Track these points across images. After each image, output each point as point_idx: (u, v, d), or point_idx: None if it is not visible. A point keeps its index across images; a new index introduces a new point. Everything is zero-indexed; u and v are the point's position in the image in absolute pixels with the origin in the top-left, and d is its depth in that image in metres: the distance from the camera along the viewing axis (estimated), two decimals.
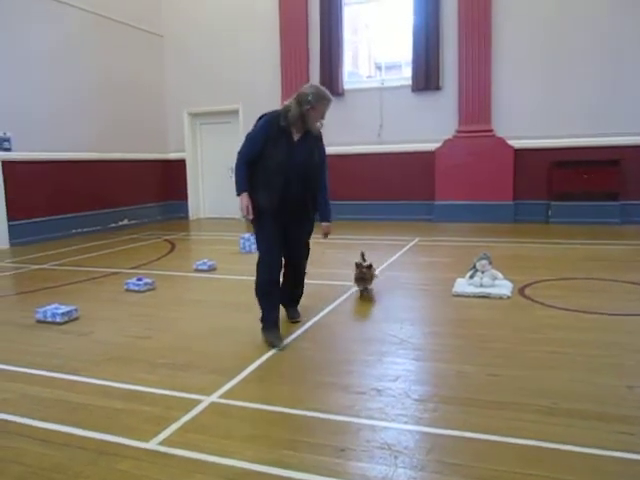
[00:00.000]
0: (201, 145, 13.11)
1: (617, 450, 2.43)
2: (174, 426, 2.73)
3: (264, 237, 4.07)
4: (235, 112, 12.32)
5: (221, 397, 3.07)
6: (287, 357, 3.71)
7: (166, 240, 9.51)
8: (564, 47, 10.12)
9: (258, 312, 4.12)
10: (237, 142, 12.12)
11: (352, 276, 5.33)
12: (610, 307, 4.65)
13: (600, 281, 5.64)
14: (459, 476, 2.28)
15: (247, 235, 7.87)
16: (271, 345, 3.88)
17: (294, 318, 4.50)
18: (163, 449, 2.53)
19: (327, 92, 4.02)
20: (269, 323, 4.03)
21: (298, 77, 11.66)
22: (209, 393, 3.10)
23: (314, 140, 4.12)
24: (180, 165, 13.05)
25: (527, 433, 2.59)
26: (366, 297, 5.23)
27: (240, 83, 12.18)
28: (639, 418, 2.71)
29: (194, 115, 12.91)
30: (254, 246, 7.67)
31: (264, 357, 3.68)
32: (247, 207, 3.95)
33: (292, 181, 3.95)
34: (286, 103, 4.03)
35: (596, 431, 2.59)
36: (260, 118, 4.09)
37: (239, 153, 4.03)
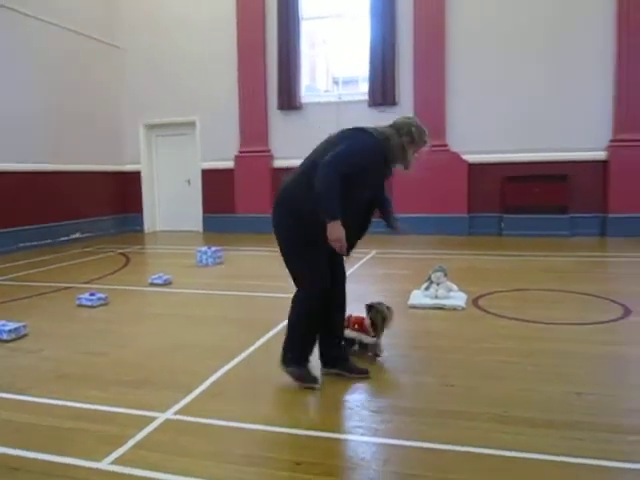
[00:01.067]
0: (157, 157, 12.93)
1: (567, 455, 2.50)
2: (127, 445, 2.67)
3: (315, 262, 3.35)
4: (192, 124, 12.23)
5: (177, 413, 3.02)
6: (244, 371, 3.68)
7: (120, 253, 9.31)
8: (516, 65, 10.46)
9: (215, 326, 4.08)
10: (194, 154, 12.28)
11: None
12: (560, 317, 4.80)
13: (550, 292, 5.81)
14: None
15: (204, 248, 7.79)
16: (310, 386, 3.30)
17: (361, 373, 3.53)
18: (116, 468, 2.46)
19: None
20: (304, 359, 3.38)
21: (256, 90, 11.71)
22: (164, 410, 3.04)
23: None
24: (135, 177, 12.83)
25: (480, 442, 2.64)
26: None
27: (197, 95, 12.10)
28: (587, 424, 2.80)
29: (150, 126, 12.74)
30: (211, 259, 7.66)
31: (221, 371, 3.63)
32: (342, 239, 3.13)
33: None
34: (377, 129, 3.32)
35: (546, 438, 2.66)
36: (356, 131, 3.32)
37: (334, 165, 3.07)
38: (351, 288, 6.08)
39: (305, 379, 3.32)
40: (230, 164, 11.95)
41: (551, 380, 3.39)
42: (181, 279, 6.75)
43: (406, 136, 3.29)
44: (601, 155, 10.18)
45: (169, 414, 3.00)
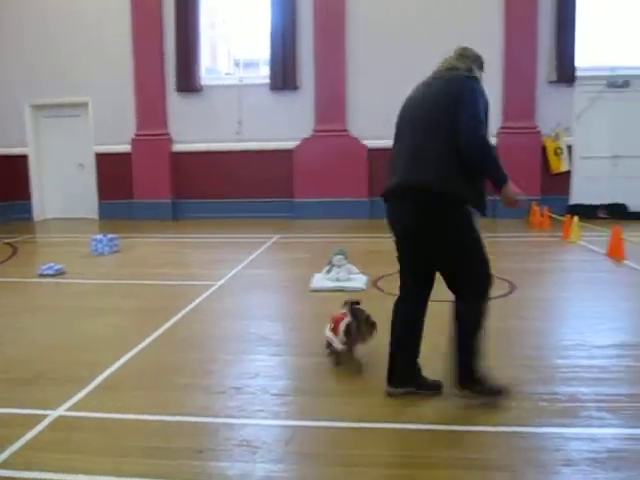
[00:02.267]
0: (46, 140, 12.09)
1: (459, 424, 2.66)
2: (15, 446, 2.51)
3: (485, 253, 2.84)
4: (84, 105, 11.56)
5: (70, 410, 2.88)
6: (143, 362, 3.58)
7: (6, 244, 8.68)
8: (411, 51, 10.77)
9: (111, 316, 3.92)
10: (87, 137, 11.64)
11: (216, 276, 5.26)
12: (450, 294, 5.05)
13: None
14: (317, 464, 2.37)
15: (99, 236, 7.44)
16: (503, 393, 2.88)
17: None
18: (4, 473, 2.32)
19: None
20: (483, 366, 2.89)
21: (152, 71, 11.26)
22: (56, 407, 2.90)
23: None
24: (22, 161, 11.97)
25: (382, 417, 2.75)
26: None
27: (90, 75, 11.43)
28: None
29: (37, 107, 11.89)
30: (107, 248, 7.34)
31: (118, 363, 3.51)
32: (519, 197, 2.75)
33: None
34: (455, 63, 2.98)
35: (440, 409, 2.81)
36: (458, 82, 2.83)
37: (479, 129, 2.66)
38: (254, 273, 6.13)
39: (499, 390, 2.89)
40: (127, 148, 11.46)
41: (443, 354, 3.58)
42: (75, 269, 6.42)
43: (479, 70, 3.05)
44: (492, 141, 10.77)
45: (61, 411, 2.86)
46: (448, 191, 2.68)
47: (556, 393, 3.00)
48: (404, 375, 2.96)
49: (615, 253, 6.58)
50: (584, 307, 4.76)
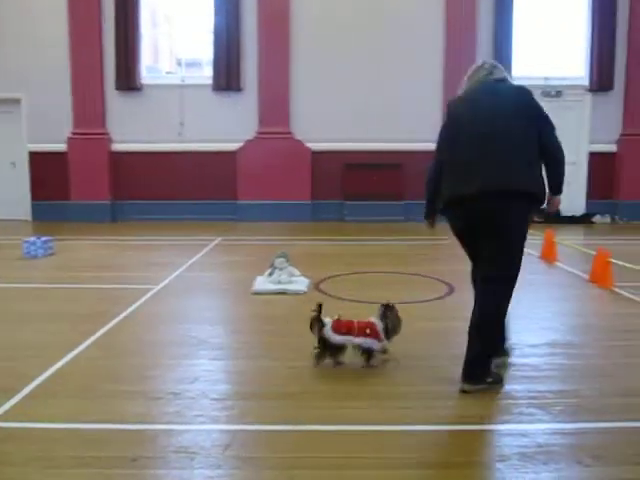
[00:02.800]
0: None
1: (396, 424, 2.70)
2: None
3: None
4: (16, 102, 11.07)
5: None
6: (78, 369, 3.45)
7: None
8: (355, 57, 10.93)
9: (45, 322, 3.76)
10: (19, 134, 11.12)
11: (156, 279, 5.14)
12: (393, 297, 5.11)
13: (386, 274, 6.21)
14: (256, 468, 2.35)
15: (32, 238, 7.13)
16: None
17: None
18: None
19: None
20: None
21: (90, 68, 10.90)
22: None
23: None
24: None
25: (319, 419, 2.76)
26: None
27: (23, 71, 10.95)
28: (414, 393, 3.04)
29: None
30: (40, 250, 7.06)
31: (50, 371, 3.37)
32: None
33: None
34: (499, 74, 3.28)
35: (378, 409, 2.85)
36: (527, 93, 3.14)
37: (561, 144, 3.11)
38: (195, 276, 6.04)
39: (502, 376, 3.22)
40: (62, 147, 11.05)
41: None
42: (5, 272, 6.14)
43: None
44: (432, 146, 10.99)
45: None
46: (537, 192, 3.06)
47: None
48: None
49: (548, 255, 6.86)
50: (518, 308, 4.90)
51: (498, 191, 2.97)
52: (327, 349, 3.34)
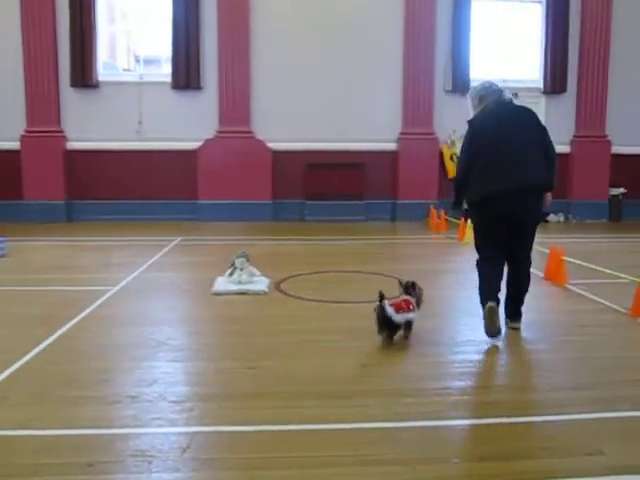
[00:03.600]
0: None
1: (354, 422, 2.72)
2: None
3: None
4: None
5: None
6: (30, 374, 3.35)
7: None
8: (317, 57, 10.95)
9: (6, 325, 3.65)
10: None
11: (113, 281, 5.02)
12: (353, 296, 5.19)
13: (346, 273, 6.25)
14: (214, 469, 2.33)
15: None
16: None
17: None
18: None
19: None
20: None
21: (43, 64, 10.62)
22: None
23: None
24: None
25: (279, 419, 2.75)
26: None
27: None
28: (373, 391, 3.08)
29: None
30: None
31: (2, 376, 3.26)
32: None
33: None
34: (509, 96, 4.26)
35: (339, 408, 2.87)
36: (533, 110, 4.15)
37: (555, 149, 4.08)
38: (153, 277, 5.95)
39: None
40: (15, 145, 10.72)
41: (342, 355, 3.66)
42: None
43: None
44: (392, 146, 11.16)
45: None
46: (551, 186, 4.04)
47: (448, 387, 3.15)
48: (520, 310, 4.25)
49: None
50: (476, 305, 5.00)
51: (529, 185, 3.89)
52: (390, 329, 3.79)
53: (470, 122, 4.10)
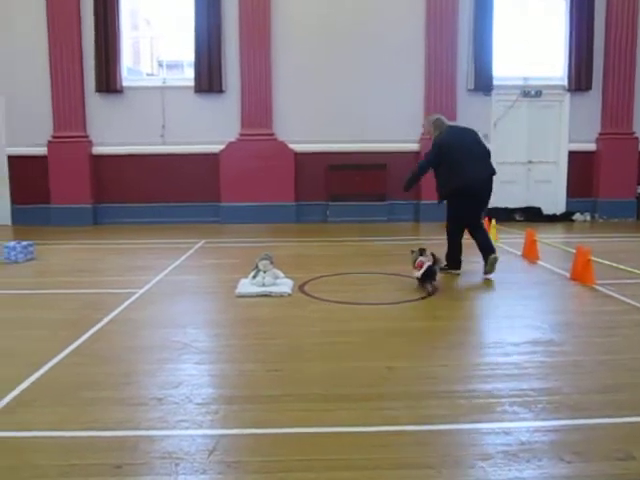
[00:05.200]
0: None
1: (380, 425, 2.71)
2: None
3: None
4: None
5: None
6: (58, 376, 3.41)
7: None
8: (339, 58, 10.95)
9: (25, 329, 3.71)
10: None
11: (138, 283, 5.08)
12: (376, 297, 5.17)
13: (369, 274, 6.23)
14: (240, 472, 2.34)
15: (12, 243, 7.05)
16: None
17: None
18: None
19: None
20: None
21: (69, 70, 10.81)
22: None
23: None
24: None
25: (304, 421, 2.75)
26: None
27: (1, 74, 10.82)
28: (397, 394, 3.06)
29: None
30: (21, 255, 7.01)
31: (31, 379, 3.32)
32: None
33: None
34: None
35: (362, 411, 2.86)
36: (474, 129, 6.31)
37: None
38: (178, 280, 6.00)
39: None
40: (43, 150, 10.93)
41: (367, 357, 3.65)
42: None
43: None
44: (415, 147, 11.09)
45: None
46: (495, 172, 6.02)
47: (474, 390, 3.11)
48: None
49: (529, 254, 6.93)
50: (501, 306, 4.98)
51: (487, 174, 5.93)
52: (429, 278, 5.22)
53: (438, 140, 5.99)
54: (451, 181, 5.83)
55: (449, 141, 5.91)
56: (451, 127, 6.15)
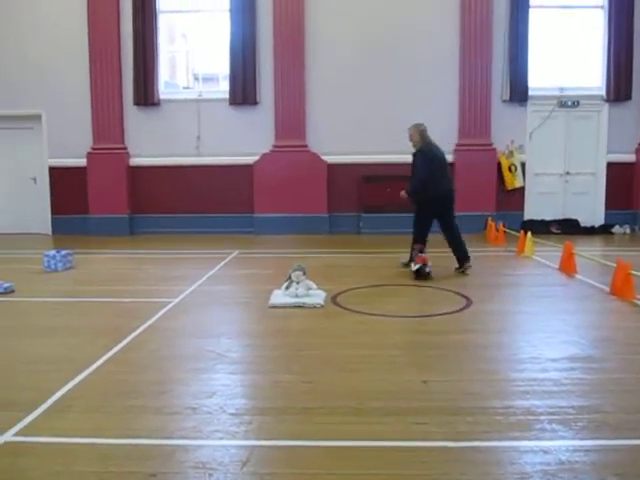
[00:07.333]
0: None
1: (415, 440, 2.68)
2: None
3: None
4: (37, 117, 11.28)
5: (17, 435, 2.77)
6: (95, 383, 3.48)
7: None
8: (372, 69, 10.97)
9: (63, 336, 3.79)
10: (40, 150, 11.30)
11: (173, 293, 5.16)
12: (410, 310, 5.13)
13: (404, 286, 6.19)
14: None
15: (52, 252, 7.23)
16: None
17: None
18: None
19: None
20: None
21: (110, 84, 11.10)
22: (2, 432, 2.78)
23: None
24: None
25: (337, 434, 2.74)
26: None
27: (44, 87, 11.17)
28: (432, 408, 3.01)
29: None
30: (60, 264, 7.18)
31: (69, 385, 3.40)
32: None
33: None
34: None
35: (396, 425, 2.83)
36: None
37: None
38: (212, 290, 6.06)
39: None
40: (82, 162, 11.21)
41: (402, 370, 3.61)
42: (25, 286, 6.21)
43: None
44: (448, 158, 10.94)
45: (8, 436, 2.74)
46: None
47: (511, 407, 3.05)
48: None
49: (567, 267, 6.77)
50: (538, 321, 4.88)
51: (452, 189, 7.02)
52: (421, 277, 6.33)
53: (426, 151, 6.83)
54: (428, 189, 6.69)
55: (435, 154, 6.83)
56: (430, 140, 6.98)
